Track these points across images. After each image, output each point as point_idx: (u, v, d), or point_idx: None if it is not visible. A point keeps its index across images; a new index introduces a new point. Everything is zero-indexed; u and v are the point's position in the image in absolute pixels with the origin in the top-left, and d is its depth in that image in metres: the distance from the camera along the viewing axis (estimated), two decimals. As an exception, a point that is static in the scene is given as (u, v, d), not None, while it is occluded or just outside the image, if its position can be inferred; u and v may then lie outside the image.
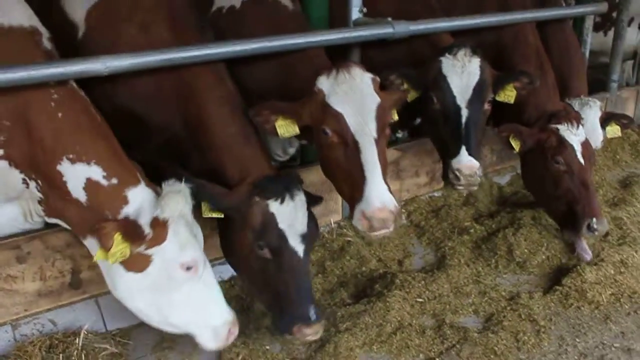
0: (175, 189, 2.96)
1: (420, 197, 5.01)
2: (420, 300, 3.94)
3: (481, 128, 4.04)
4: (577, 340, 3.75)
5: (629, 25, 6.99)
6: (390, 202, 3.18)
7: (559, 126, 4.33)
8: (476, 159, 3.83)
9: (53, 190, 3.06)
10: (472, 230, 4.67)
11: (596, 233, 4.25)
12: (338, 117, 3.28)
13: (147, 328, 3.46)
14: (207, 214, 3.21)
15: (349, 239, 4.44)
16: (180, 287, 3.02)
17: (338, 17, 4.46)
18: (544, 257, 4.40)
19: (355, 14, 4.36)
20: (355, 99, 3.31)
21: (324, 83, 3.37)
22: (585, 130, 4.43)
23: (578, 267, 4.18)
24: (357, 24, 4.32)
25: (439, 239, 4.66)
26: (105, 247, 2.79)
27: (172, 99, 3.52)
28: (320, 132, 3.34)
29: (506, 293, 4.13)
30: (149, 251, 2.95)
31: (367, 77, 3.39)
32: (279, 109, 3.43)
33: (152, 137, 3.60)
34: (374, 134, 3.27)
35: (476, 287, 4.13)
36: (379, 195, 3.17)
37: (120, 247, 2.82)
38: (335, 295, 4.01)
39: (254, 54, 3.72)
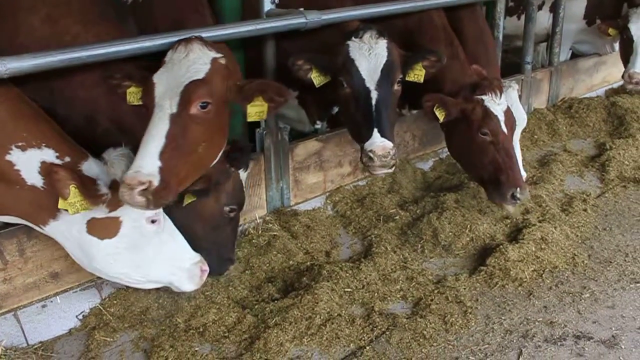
0: (120, 154, 3.17)
1: (344, 187, 5.00)
2: (349, 290, 3.93)
3: (392, 109, 4.06)
4: (503, 317, 3.82)
5: (540, 8, 7.18)
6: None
7: (484, 97, 4.40)
8: (389, 140, 3.83)
9: (1, 185, 3.08)
10: (397, 217, 4.69)
11: (519, 202, 4.37)
12: None
13: (70, 340, 3.35)
14: (189, 200, 3.50)
15: (275, 233, 4.38)
16: (151, 241, 3.24)
17: (250, 8, 4.41)
18: (468, 239, 4.45)
19: (268, 5, 4.32)
20: None
21: None
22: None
23: (501, 246, 4.26)
24: (270, 15, 4.27)
25: (365, 228, 4.66)
26: (62, 195, 2.94)
27: None
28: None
29: (433, 277, 4.17)
30: (116, 213, 3.14)
31: None
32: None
33: None
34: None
35: (403, 273, 4.15)
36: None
37: (77, 198, 2.97)
38: (263, 291, 3.96)
39: (161, 50, 3.61)
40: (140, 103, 3.29)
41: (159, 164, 2.91)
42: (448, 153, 5.65)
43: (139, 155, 2.93)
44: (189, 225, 3.59)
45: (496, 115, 4.38)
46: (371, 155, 3.80)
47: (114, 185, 3.06)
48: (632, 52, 6.69)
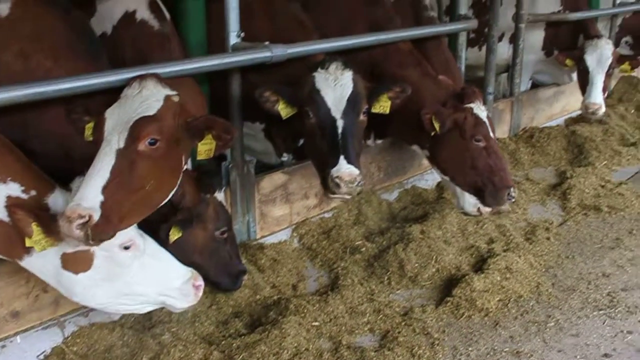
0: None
1: (310, 219, 4.99)
2: (316, 323, 3.90)
3: (358, 139, 4.10)
4: (470, 348, 3.83)
5: (500, 40, 7.35)
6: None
7: (472, 105, 4.61)
8: (356, 166, 3.87)
9: None
10: (363, 249, 4.70)
11: (513, 200, 4.65)
12: None
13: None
14: (175, 236, 3.47)
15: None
16: (130, 267, 3.17)
17: (216, 42, 4.43)
18: (434, 269, 4.48)
19: (234, 38, 4.31)
20: None
21: None
22: None
23: (467, 276, 4.29)
24: (236, 48, 4.28)
25: (331, 260, 4.65)
26: (25, 234, 2.92)
27: None
28: None
29: (400, 309, 4.16)
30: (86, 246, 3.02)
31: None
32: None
33: None
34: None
35: (371, 306, 4.14)
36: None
37: (41, 236, 2.94)
38: (230, 326, 3.91)
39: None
40: (90, 139, 3.23)
41: (100, 198, 2.84)
42: (413, 183, 5.75)
43: (81, 189, 2.87)
44: (189, 260, 3.57)
45: (484, 122, 4.61)
46: (338, 181, 3.82)
47: None
48: (588, 82, 6.89)
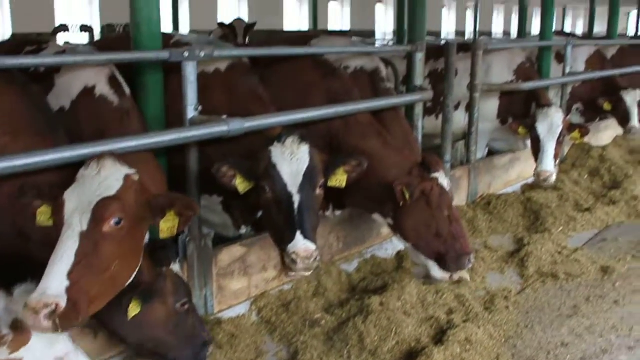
0: (25, 290, 2.94)
1: (269, 292, 4.94)
2: (275, 401, 3.82)
3: (315, 213, 4.10)
4: None
5: (456, 109, 7.54)
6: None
7: (437, 174, 4.76)
8: (312, 242, 3.87)
9: None
10: (323, 322, 4.64)
11: (470, 266, 4.84)
12: None
13: None
14: (134, 312, 3.36)
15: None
16: None
17: (174, 115, 4.44)
18: (394, 342, 4.42)
19: (191, 112, 4.35)
20: None
21: None
22: None
23: (427, 349, 4.25)
24: (193, 122, 4.30)
25: (291, 334, 4.57)
26: None
27: None
28: None
29: (360, 384, 4.10)
30: (18, 354, 2.86)
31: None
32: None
33: None
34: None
35: (331, 381, 4.08)
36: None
37: None
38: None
39: (82, 160, 3.56)
40: (50, 224, 3.18)
41: (66, 283, 2.80)
42: (373, 253, 5.76)
43: (45, 277, 2.81)
44: (151, 336, 3.56)
45: (448, 190, 4.78)
46: (294, 257, 3.81)
47: (16, 325, 2.87)
48: (539, 149, 7.08)
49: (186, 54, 4.25)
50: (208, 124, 4.18)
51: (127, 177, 3.17)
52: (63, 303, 2.74)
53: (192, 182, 4.39)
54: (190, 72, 4.27)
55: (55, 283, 2.78)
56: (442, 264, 4.76)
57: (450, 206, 4.77)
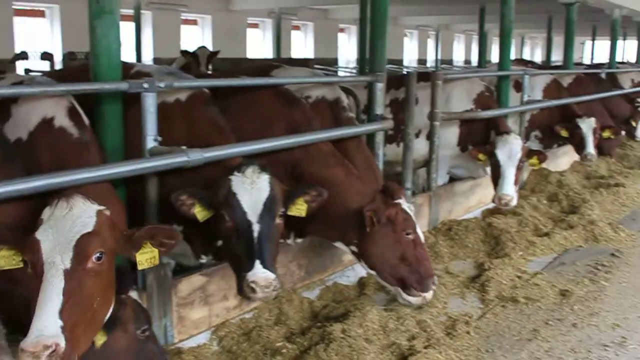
0: None
1: (230, 320, 4.91)
2: None
3: (275, 242, 4.15)
4: None
5: (417, 136, 7.65)
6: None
7: (400, 200, 4.90)
8: (271, 271, 3.91)
9: None
10: (284, 351, 4.61)
11: (434, 288, 5.00)
12: None
13: None
14: (100, 340, 3.27)
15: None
16: None
17: (133, 146, 4.44)
18: (354, 371, 4.44)
19: (151, 142, 4.35)
20: None
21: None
22: None
23: (388, 376, 4.28)
24: (153, 153, 4.30)
25: (252, 364, 4.56)
26: None
27: None
28: None
29: (322, 413, 4.09)
30: None
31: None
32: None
33: None
34: None
35: (292, 411, 4.06)
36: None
37: None
38: None
39: (39, 192, 3.54)
40: (19, 266, 3.17)
41: (60, 323, 2.81)
42: (334, 280, 5.77)
43: (38, 318, 2.81)
44: None
45: (411, 215, 4.91)
46: (253, 286, 3.86)
47: None
48: (500, 175, 7.22)
49: (146, 85, 4.27)
50: (167, 155, 4.19)
51: (99, 213, 3.21)
52: (62, 343, 2.75)
53: (152, 212, 4.38)
54: (150, 103, 4.29)
55: (50, 323, 2.79)
56: (407, 288, 4.90)
57: (415, 230, 4.91)
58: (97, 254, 3.07)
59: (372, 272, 5.04)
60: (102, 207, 3.26)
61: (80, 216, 3.14)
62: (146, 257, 3.36)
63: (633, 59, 21.71)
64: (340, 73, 20.23)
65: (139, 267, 3.38)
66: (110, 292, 3.26)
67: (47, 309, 2.83)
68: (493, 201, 7.40)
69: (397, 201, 4.91)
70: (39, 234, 3.07)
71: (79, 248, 3.03)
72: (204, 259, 4.92)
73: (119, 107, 4.49)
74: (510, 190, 7.17)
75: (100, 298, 3.10)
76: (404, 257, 4.87)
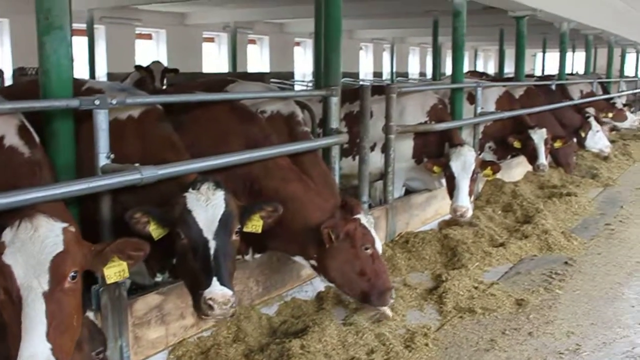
0: None
1: (188, 339, 4.84)
2: None
3: (231, 259, 4.11)
4: None
5: (373, 149, 7.70)
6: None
7: (359, 215, 4.94)
8: (228, 288, 3.88)
9: None
10: (243, 368, 4.59)
11: (392, 301, 5.09)
12: None
13: None
14: None
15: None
16: None
17: (85, 164, 4.36)
18: (315, 385, 4.42)
19: (103, 160, 4.28)
20: None
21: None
22: None
23: (348, 391, 4.27)
24: (105, 170, 4.23)
25: (210, 383, 4.50)
26: None
27: None
28: None
29: None
30: None
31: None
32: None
33: None
34: None
35: None
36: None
37: None
38: None
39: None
40: None
41: (49, 346, 2.82)
42: (293, 296, 5.75)
43: (27, 344, 2.80)
44: None
45: (370, 230, 4.95)
46: (211, 303, 3.81)
47: None
48: (454, 187, 7.32)
49: (97, 102, 4.19)
50: (120, 173, 4.11)
51: (65, 230, 3.19)
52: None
53: (105, 231, 4.29)
54: (102, 120, 4.22)
55: (41, 349, 2.80)
56: (367, 301, 4.98)
57: (373, 244, 4.95)
58: (72, 273, 3.09)
59: (331, 285, 5.10)
60: (66, 224, 3.23)
61: (48, 236, 3.11)
62: (114, 271, 3.38)
63: (582, 71, 22.28)
64: (296, 87, 20.30)
65: (108, 281, 3.39)
66: (81, 309, 3.26)
67: (34, 333, 2.83)
68: (449, 212, 7.48)
69: (356, 216, 4.95)
70: (8, 259, 3.02)
71: (54, 269, 3.02)
72: (159, 277, 4.85)
73: (70, 125, 4.39)
74: (465, 201, 7.27)
75: (77, 315, 3.13)
76: (363, 271, 4.91)
